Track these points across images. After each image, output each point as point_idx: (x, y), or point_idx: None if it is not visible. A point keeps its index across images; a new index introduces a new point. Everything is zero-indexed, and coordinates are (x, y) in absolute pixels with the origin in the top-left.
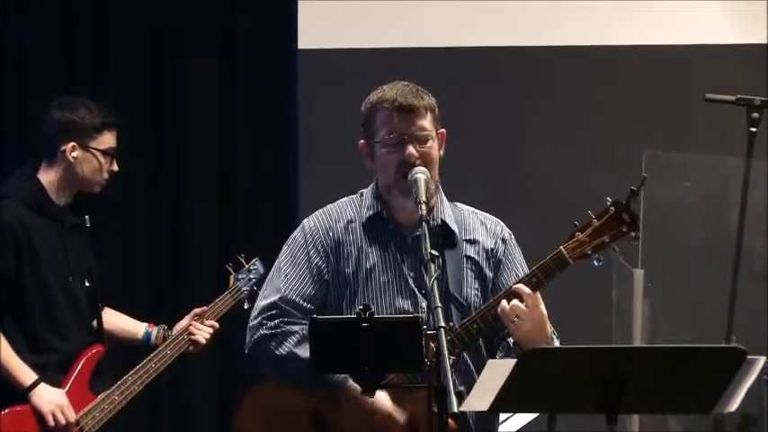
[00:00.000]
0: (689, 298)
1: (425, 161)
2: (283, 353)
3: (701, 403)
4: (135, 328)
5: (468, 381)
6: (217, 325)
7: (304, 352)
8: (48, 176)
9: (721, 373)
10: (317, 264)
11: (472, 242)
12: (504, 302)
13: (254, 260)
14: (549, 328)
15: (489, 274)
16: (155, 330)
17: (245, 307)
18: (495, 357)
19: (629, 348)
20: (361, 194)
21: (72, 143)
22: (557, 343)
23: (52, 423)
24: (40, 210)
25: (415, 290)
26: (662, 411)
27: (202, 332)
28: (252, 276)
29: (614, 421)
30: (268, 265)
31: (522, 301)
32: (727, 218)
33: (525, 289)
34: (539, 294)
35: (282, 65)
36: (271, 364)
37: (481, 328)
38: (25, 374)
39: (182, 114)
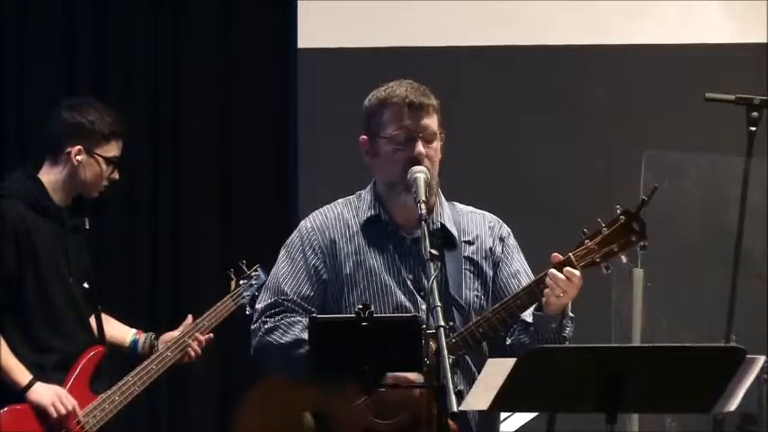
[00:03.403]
0: (689, 298)
1: (430, 161)
2: (290, 339)
3: (700, 403)
4: (123, 334)
5: (468, 379)
6: (211, 335)
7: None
8: (49, 176)
9: (721, 372)
10: (314, 265)
11: (471, 243)
12: (554, 271)
13: (255, 266)
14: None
15: (489, 272)
16: (142, 338)
17: (247, 312)
18: (500, 348)
19: (628, 348)
20: (359, 196)
21: (78, 146)
22: (569, 330)
23: (55, 414)
24: (40, 209)
25: (414, 292)
26: (661, 411)
27: (195, 347)
28: (253, 282)
29: (614, 421)
30: (269, 270)
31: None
32: (727, 218)
33: (572, 269)
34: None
35: (282, 64)
36: (277, 354)
37: (487, 332)
38: (21, 374)
39: (182, 114)
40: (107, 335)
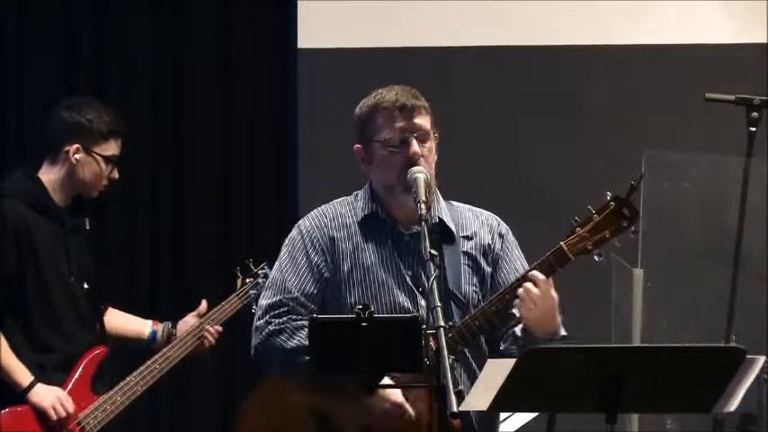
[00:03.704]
0: (689, 298)
1: (426, 160)
2: (294, 345)
3: (700, 403)
4: (141, 327)
5: (470, 377)
6: (220, 328)
7: None
8: (49, 176)
9: (721, 372)
10: (316, 262)
11: (469, 238)
12: (528, 285)
13: (262, 264)
14: (559, 317)
15: (487, 269)
16: (159, 328)
17: (253, 310)
18: (498, 348)
19: (628, 348)
20: (356, 195)
21: (76, 145)
22: (562, 332)
23: (54, 417)
24: (40, 209)
25: (413, 288)
26: (661, 411)
27: (210, 336)
28: (260, 280)
29: (614, 421)
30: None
31: (535, 285)
32: (727, 218)
33: (539, 275)
34: (551, 281)
35: (282, 65)
36: (281, 358)
37: (483, 326)
38: (23, 375)
39: (182, 114)
40: (125, 329)
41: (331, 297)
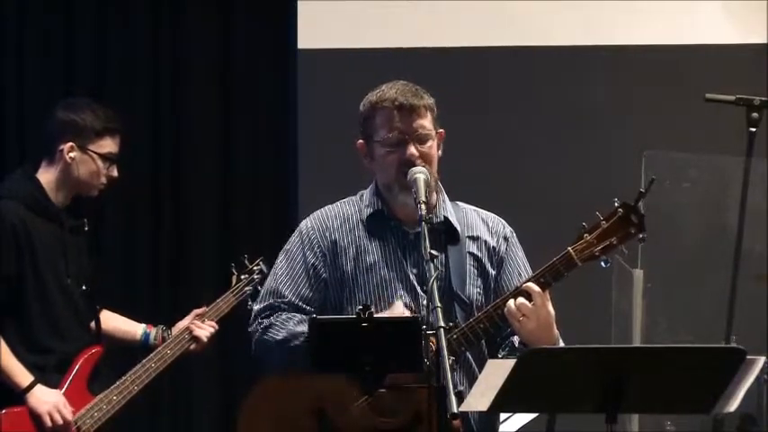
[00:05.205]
0: (689, 298)
1: (425, 161)
2: (284, 335)
3: (700, 403)
4: (133, 329)
5: (470, 379)
6: (216, 326)
7: (304, 327)
8: (47, 176)
9: (721, 373)
10: (313, 264)
11: (474, 239)
12: (510, 301)
13: (257, 261)
14: (556, 329)
15: (492, 271)
16: (153, 331)
17: (248, 307)
18: (496, 357)
19: (628, 348)
20: (361, 195)
21: (70, 143)
22: (561, 344)
23: (50, 423)
24: (39, 210)
25: (417, 286)
26: (662, 411)
27: (203, 330)
28: (255, 277)
29: (614, 421)
30: (270, 266)
31: (529, 299)
32: (727, 218)
33: (534, 287)
34: (547, 294)
35: (282, 65)
36: (276, 351)
37: (487, 328)
38: (22, 376)
39: (182, 114)
40: (117, 331)
41: (333, 295)
